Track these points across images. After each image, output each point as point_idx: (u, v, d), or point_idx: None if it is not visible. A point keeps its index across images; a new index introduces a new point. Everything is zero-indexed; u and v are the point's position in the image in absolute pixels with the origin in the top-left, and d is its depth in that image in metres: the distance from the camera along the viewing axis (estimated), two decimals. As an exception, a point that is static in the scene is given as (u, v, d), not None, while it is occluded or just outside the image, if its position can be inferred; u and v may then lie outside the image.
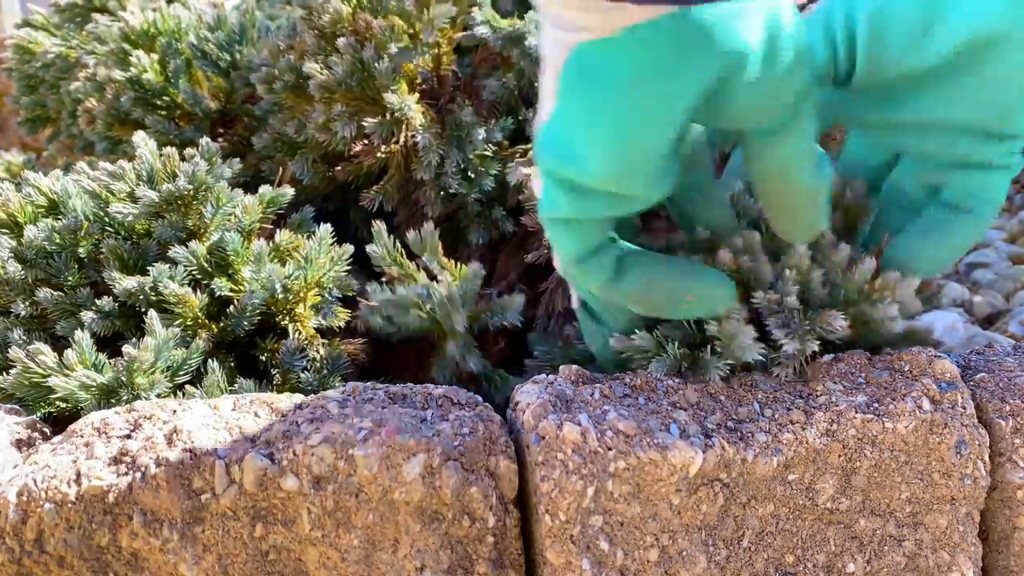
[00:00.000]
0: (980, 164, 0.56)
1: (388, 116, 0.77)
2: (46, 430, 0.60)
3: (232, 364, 0.68)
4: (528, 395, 0.54)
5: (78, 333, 0.62)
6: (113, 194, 0.73)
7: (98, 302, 0.68)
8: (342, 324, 0.69)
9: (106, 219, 0.72)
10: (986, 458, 0.56)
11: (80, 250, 0.72)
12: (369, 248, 0.69)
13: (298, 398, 0.56)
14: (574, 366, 0.57)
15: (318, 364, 0.66)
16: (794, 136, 0.50)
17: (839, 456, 0.54)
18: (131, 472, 0.50)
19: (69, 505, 0.50)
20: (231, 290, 0.68)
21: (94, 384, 0.60)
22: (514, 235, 0.82)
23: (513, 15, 0.82)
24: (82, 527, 0.50)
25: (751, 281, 0.56)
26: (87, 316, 0.67)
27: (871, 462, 0.54)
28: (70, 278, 0.70)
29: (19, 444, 0.57)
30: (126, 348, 0.61)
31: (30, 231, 0.71)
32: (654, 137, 0.47)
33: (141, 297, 0.67)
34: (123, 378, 0.60)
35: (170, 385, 0.62)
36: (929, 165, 0.58)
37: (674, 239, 0.60)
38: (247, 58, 0.95)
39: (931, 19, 0.52)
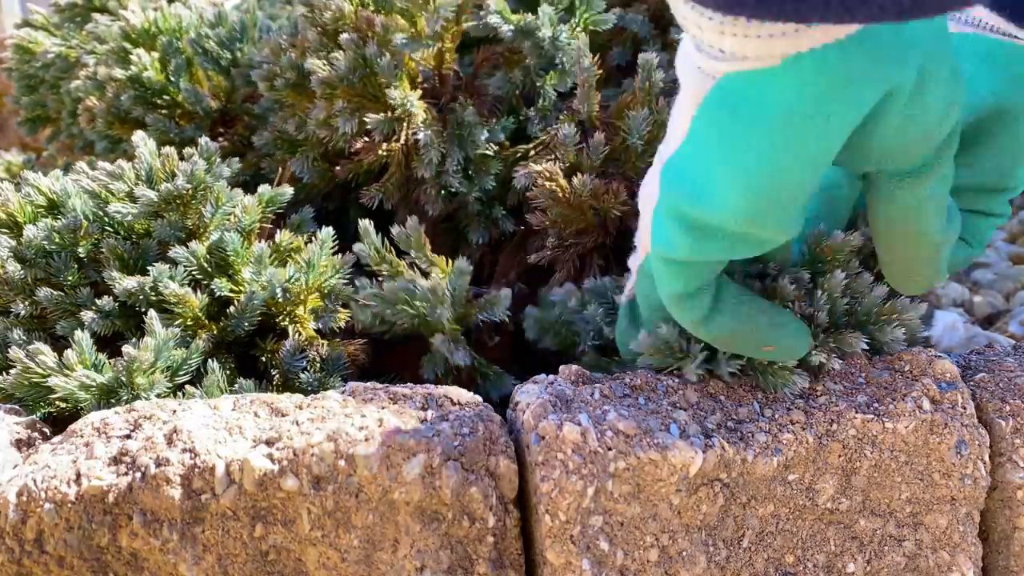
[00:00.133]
0: (978, 212, 0.58)
1: (390, 112, 0.77)
2: (46, 430, 0.60)
3: (232, 364, 0.68)
4: (528, 395, 0.54)
5: (78, 333, 0.62)
6: (112, 194, 0.73)
7: (98, 302, 0.68)
8: (342, 325, 0.69)
9: (105, 219, 0.72)
10: (986, 458, 0.56)
11: (80, 250, 0.71)
12: (356, 247, 0.68)
13: (298, 398, 0.56)
14: (574, 366, 0.57)
15: (318, 364, 0.66)
16: (932, 180, 0.48)
17: (839, 456, 0.54)
18: (131, 472, 0.50)
19: (69, 505, 0.50)
20: (231, 290, 0.68)
21: (94, 384, 0.60)
22: (515, 235, 0.82)
23: (519, 13, 0.81)
24: (82, 527, 0.50)
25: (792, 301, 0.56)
26: (87, 316, 0.67)
27: (871, 462, 0.54)
28: (70, 278, 0.70)
29: (19, 444, 0.57)
30: (126, 348, 0.61)
31: (30, 231, 0.71)
32: (800, 176, 0.44)
33: (141, 297, 0.67)
34: (123, 378, 0.60)
35: (170, 385, 0.62)
36: None
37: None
38: (248, 56, 0.95)
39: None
